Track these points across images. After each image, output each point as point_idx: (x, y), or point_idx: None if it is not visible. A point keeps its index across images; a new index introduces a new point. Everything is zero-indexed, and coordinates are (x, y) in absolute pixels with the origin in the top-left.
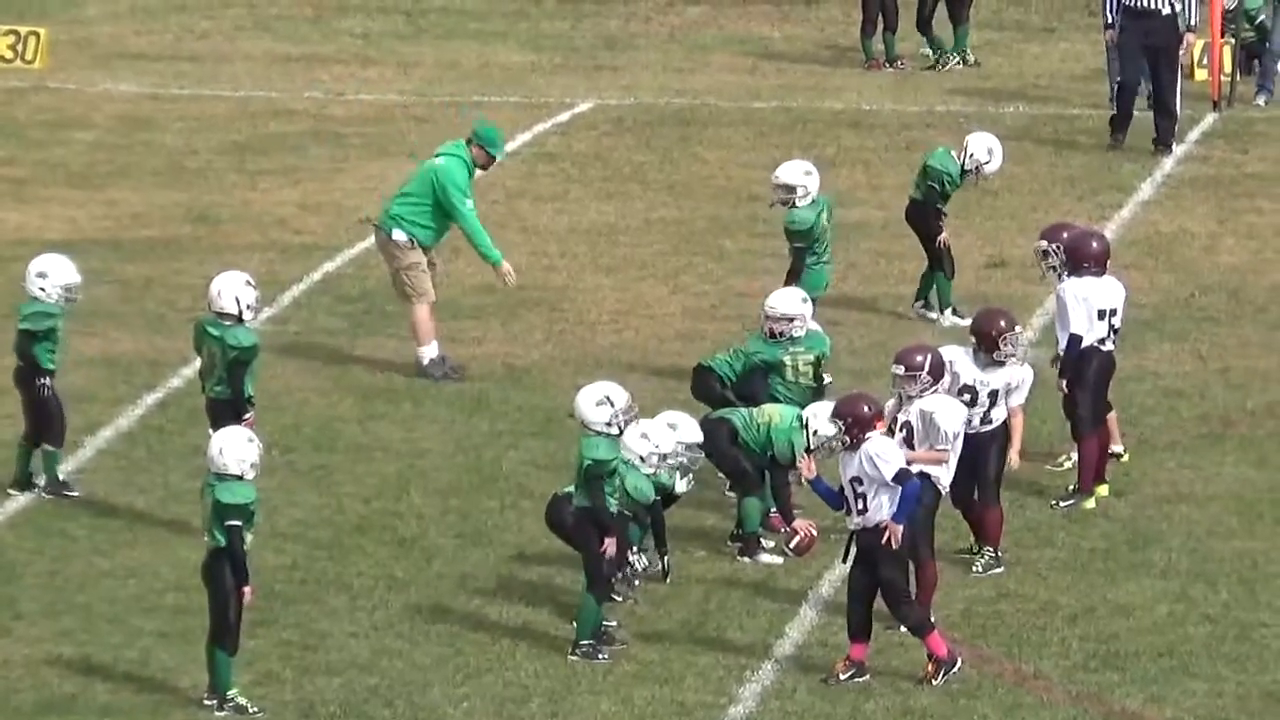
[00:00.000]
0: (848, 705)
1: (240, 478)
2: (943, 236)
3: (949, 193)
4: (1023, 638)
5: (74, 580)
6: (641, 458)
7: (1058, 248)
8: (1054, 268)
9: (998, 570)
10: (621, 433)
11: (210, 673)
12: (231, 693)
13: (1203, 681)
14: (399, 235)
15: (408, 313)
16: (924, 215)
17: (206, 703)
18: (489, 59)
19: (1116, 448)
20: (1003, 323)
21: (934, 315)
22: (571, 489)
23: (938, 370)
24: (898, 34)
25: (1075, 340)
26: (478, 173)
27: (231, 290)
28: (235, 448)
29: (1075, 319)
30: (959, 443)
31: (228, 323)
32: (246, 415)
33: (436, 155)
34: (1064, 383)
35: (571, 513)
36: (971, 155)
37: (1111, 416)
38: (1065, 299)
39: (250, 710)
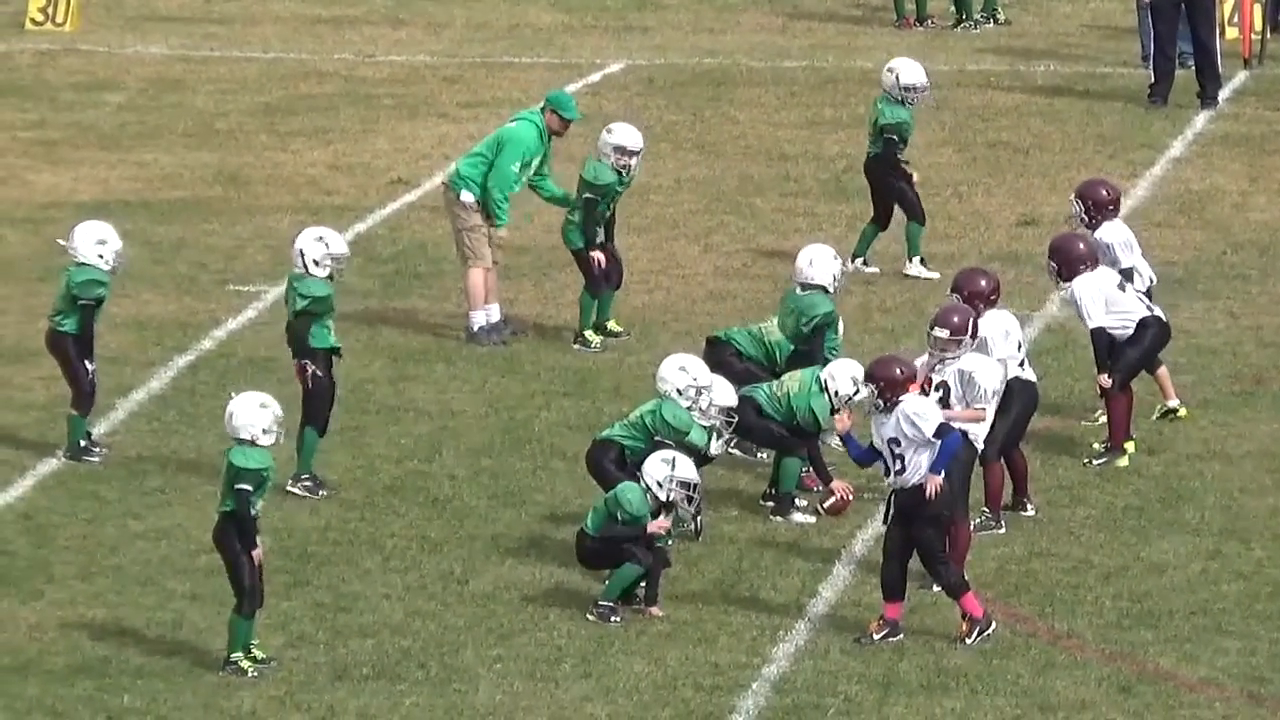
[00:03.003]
0: (882, 665)
1: (254, 443)
2: (915, 178)
3: (908, 137)
4: (1056, 596)
5: (106, 543)
6: (679, 390)
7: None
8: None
9: (998, 530)
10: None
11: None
12: (235, 655)
13: (1236, 639)
14: (467, 196)
15: (462, 275)
16: (882, 170)
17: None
18: (519, 19)
19: (1172, 402)
20: (983, 282)
21: (871, 269)
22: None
23: (976, 331)
24: None
25: (1100, 333)
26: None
27: (299, 244)
28: (245, 412)
29: (1095, 313)
30: (996, 401)
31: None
32: (309, 369)
33: (512, 120)
34: (1104, 376)
35: (594, 539)
36: (887, 85)
37: (1162, 372)
38: (1080, 298)
39: (250, 674)
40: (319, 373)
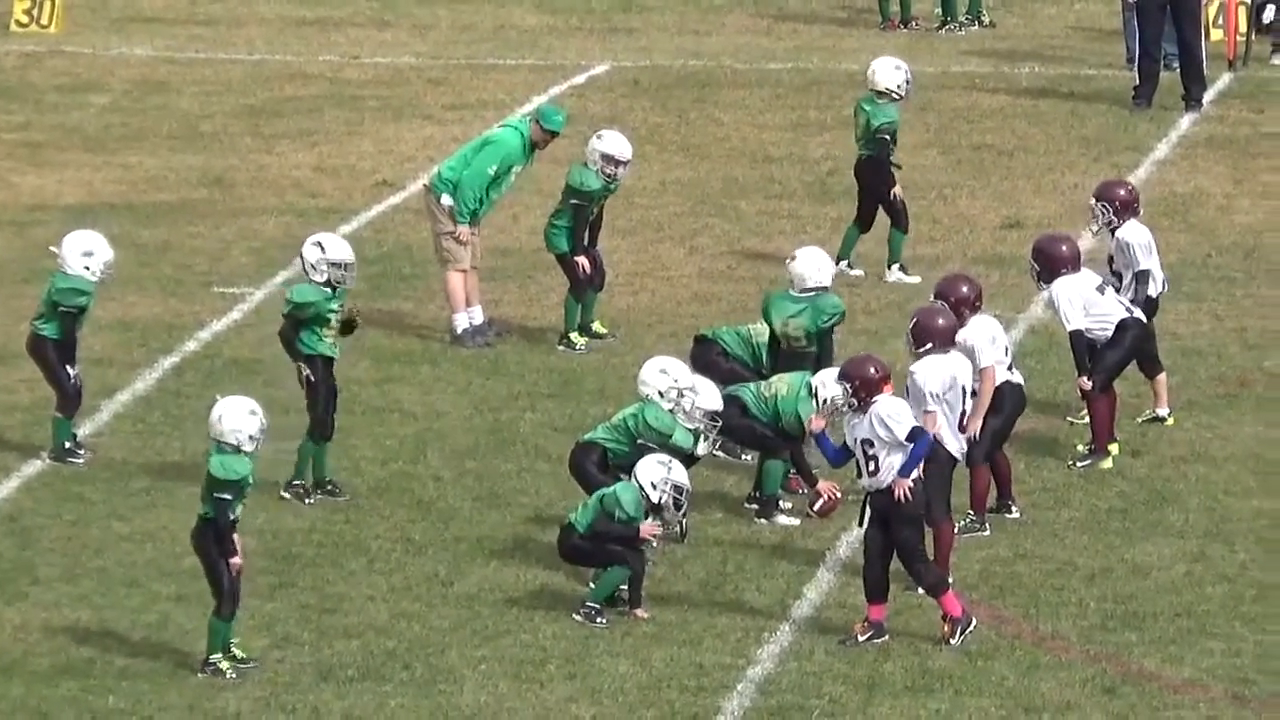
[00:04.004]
0: (866, 666)
1: (239, 449)
2: (896, 190)
3: (896, 140)
4: (1040, 598)
5: (91, 544)
6: (661, 392)
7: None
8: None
9: (982, 532)
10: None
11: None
12: (215, 657)
13: (1220, 641)
14: (447, 200)
15: (442, 278)
16: (874, 171)
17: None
18: (504, 21)
19: (1162, 410)
20: (966, 289)
21: (856, 272)
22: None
23: (920, 333)
24: None
25: (1079, 335)
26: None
27: (302, 249)
28: (233, 418)
29: (1073, 316)
30: (956, 402)
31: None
32: (303, 370)
33: (499, 126)
34: (1083, 378)
35: (582, 536)
36: (895, 85)
37: (1161, 379)
38: (1057, 300)
39: (229, 676)
40: (311, 377)
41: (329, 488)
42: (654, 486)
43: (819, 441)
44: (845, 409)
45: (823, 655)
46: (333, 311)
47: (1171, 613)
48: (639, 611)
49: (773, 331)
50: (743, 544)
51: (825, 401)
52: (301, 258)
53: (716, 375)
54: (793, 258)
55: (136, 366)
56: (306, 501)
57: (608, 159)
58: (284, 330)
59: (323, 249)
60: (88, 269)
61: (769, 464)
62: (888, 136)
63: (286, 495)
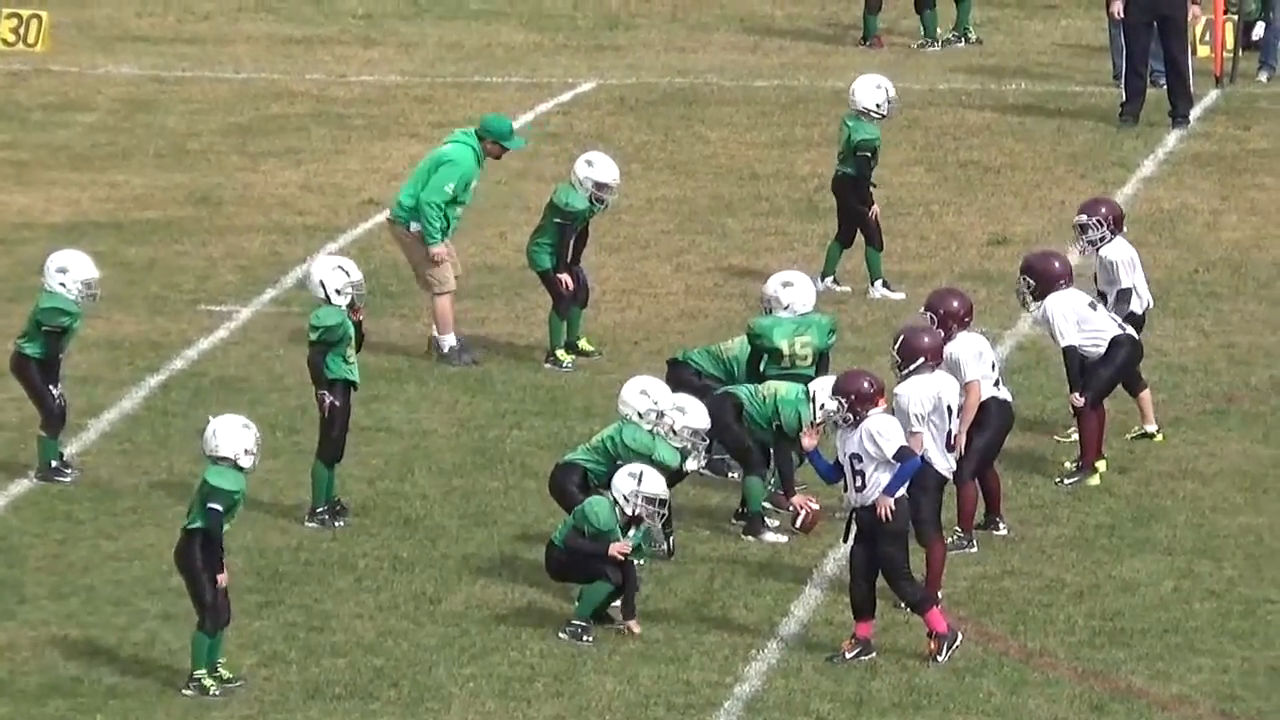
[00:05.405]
0: (854, 683)
1: (235, 464)
2: (874, 209)
3: (877, 159)
4: (1028, 615)
5: (79, 563)
6: (640, 413)
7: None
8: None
9: (970, 550)
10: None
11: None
12: (199, 673)
13: (1208, 658)
14: (416, 226)
15: (429, 303)
16: (852, 189)
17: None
18: (491, 39)
19: (1150, 427)
20: (956, 303)
21: (843, 288)
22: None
23: (907, 352)
24: (895, 10)
25: (1072, 351)
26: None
27: (318, 274)
28: (229, 433)
29: (1067, 332)
30: (942, 421)
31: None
32: (327, 399)
33: (446, 142)
34: (1076, 395)
35: (560, 550)
36: (876, 103)
37: (1145, 395)
38: (1051, 316)
39: (213, 693)
40: (337, 403)
41: (338, 508)
42: (626, 500)
43: (812, 458)
44: (839, 422)
45: (810, 672)
46: (348, 333)
47: (1159, 629)
48: (632, 624)
49: (756, 351)
50: (730, 561)
51: (822, 407)
52: (322, 284)
53: (692, 394)
54: (788, 284)
55: (123, 385)
56: (337, 525)
57: (601, 186)
58: (312, 357)
59: (347, 273)
60: (63, 285)
61: (749, 481)
62: (868, 154)
63: (311, 524)
